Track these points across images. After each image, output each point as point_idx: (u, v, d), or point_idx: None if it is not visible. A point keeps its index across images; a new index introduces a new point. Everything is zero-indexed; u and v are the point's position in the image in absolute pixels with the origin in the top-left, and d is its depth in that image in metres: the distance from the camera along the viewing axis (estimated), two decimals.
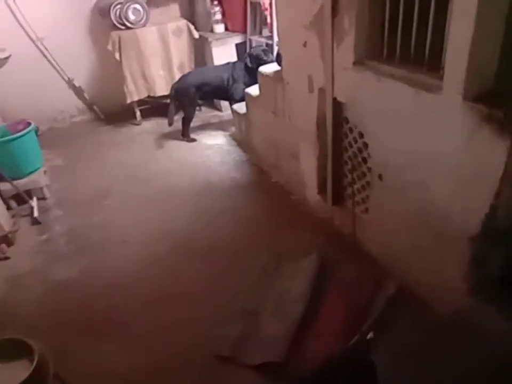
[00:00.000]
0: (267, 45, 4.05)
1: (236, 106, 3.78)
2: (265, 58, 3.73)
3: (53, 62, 4.40)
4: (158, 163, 3.68)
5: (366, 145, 2.13)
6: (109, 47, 3.99)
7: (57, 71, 4.48)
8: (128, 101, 4.27)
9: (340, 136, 2.32)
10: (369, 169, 2.16)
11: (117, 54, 3.99)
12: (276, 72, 2.79)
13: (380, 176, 2.03)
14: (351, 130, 2.22)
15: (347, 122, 2.23)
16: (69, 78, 4.54)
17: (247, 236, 2.62)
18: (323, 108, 2.35)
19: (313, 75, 2.33)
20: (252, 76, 3.64)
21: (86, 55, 4.55)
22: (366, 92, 1.94)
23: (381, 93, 1.84)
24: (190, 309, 2.13)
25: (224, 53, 4.32)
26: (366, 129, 2.07)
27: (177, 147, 3.97)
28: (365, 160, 2.18)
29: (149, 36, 4.04)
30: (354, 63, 1.95)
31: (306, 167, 2.72)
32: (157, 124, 4.52)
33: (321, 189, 2.65)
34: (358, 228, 2.37)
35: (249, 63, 3.80)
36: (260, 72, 2.98)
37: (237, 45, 4.36)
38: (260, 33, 4.15)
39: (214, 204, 3.00)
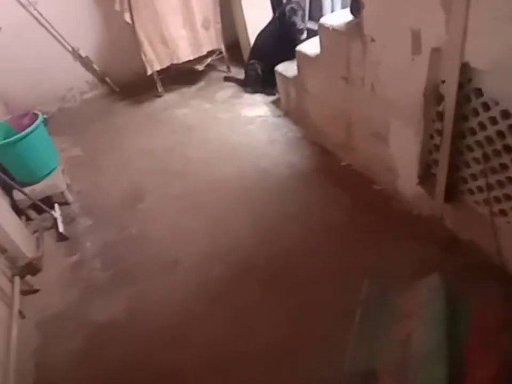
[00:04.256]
0: None
1: (280, 67, 3.07)
2: (293, 19, 3.03)
3: (52, 30, 3.68)
4: (193, 148, 3.06)
5: None
6: (117, 7, 3.24)
7: (58, 41, 3.77)
8: (149, 72, 3.57)
9: (464, 114, 1.66)
10: None
11: (126, 15, 3.24)
12: (351, 25, 2.07)
13: None
14: (486, 107, 1.55)
15: (479, 95, 1.55)
16: (73, 48, 3.84)
17: (328, 250, 2.03)
18: (436, 76, 1.67)
19: (423, 30, 1.62)
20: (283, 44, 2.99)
21: (89, 18, 3.80)
22: None
23: None
24: (276, 371, 1.61)
25: (255, 1, 3.52)
26: None
27: (212, 123, 3.32)
28: (509, 149, 1.54)
29: None
30: None
31: (400, 150, 2.08)
32: (182, 95, 3.85)
33: (424, 179, 2.02)
34: (487, 236, 1.76)
35: (278, 26, 3.13)
36: (323, 25, 2.25)
37: None
38: None
39: (273, 203, 2.40)
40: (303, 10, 3.12)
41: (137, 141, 3.30)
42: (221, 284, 2.01)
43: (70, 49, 3.84)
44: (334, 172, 2.52)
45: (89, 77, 4.09)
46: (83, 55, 3.90)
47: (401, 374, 1.50)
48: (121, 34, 3.65)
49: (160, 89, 3.82)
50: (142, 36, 3.34)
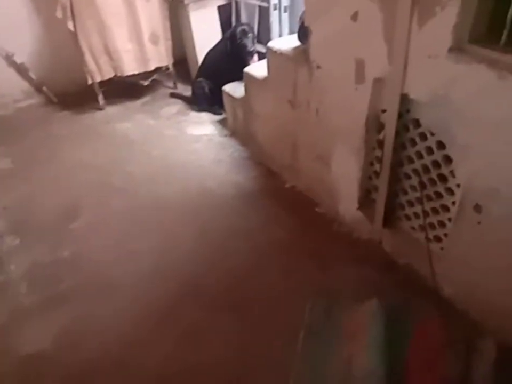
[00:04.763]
0: (261, 8, 3.31)
1: (228, 87, 3.07)
2: (244, 41, 3.10)
3: None
4: (136, 164, 2.95)
5: (448, 159, 1.56)
6: (58, 14, 3.08)
7: None
8: (89, 82, 3.42)
9: (402, 143, 1.73)
10: (450, 191, 1.61)
11: (70, 24, 3.09)
12: (298, 50, 2.12)
13: (478, 208, 1.47)
14: (423, 137, 1.63)
15: (417, 126, 1.64)
16: (7, 54, 3.59)
17: (271, 269, 2.03)
18: (377, 105, 1.74)
19: (366, 60, 1.69)
20: (232, 64, 3.05)
21: (27, 23, 3.57)
22: (469, 92, 1.34)
23: (501, 96, 1.25)
24: None
25: (204, 18, 3.53)
26: (453, 140, 1.49)
27: (157, 139, 3.23)
28: (443, 178, 1.62)
29: None
30: (452, 50, 1.33)
31: (342, 175, 2.13)
32: (126, 109, 3.72)
33: (364, 204, 2.08)
34: (423, 260, 1.84)
35: (229, 47, 3.17)
36: (270, 48, 2.29)
37: (219, 8, 3.57)
38: None
39: (219, 222, 2.36)
40: (254, 33, 3.17)
41: (76, 155, 3.12)
42: (164, 306, 1.92)
43: (4, 54, 3.59)
44: (278, 193, 2.53)
45: (24, 85, 3.83)
46: (18, 61, 3.66)
47: None
48: (63, 42, 3.47)
49: (101, 101, 3.67)
50: (84, 46, 3.20)
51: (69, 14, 3.07)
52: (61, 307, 1.97)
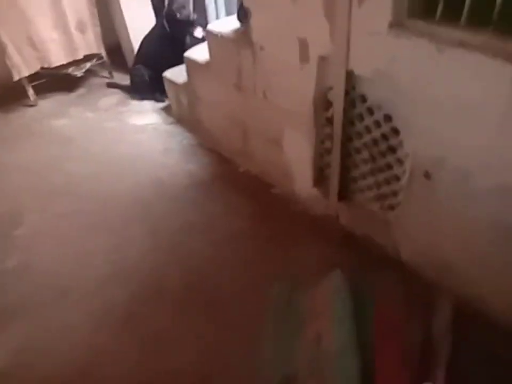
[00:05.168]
0: None
1: (169, 73, 2.97)
2: (183, 13, 3.03)
3: None
4: (76, 162, 2.77)
5: (396, 131, 1.61)
6: None
7: None
8: (16, 78, 3.15)
9: (351, 119, 1.77)
10: (400, 161, 1.67)
11: None
12: (239, 32, 2.08)
13: (427, 175, 1.54)
14: (370, 111, 1.67)
15: (364, 101, 1.67)
16: None
17: (234, 261, 2.00)
18: (324, 83, 1.76)
19: (309, 39, 1.69)
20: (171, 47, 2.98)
21: None
22: (411, 65, 1.38)
23: (440, 68, 1.30)
24: None
25: (135, 2, 3.36)
26: (398, 112, 1.55)
27: (97, 133, 3.07)
28: (392, 150, 1.68)
29: None
30: (392, 25, 1.36)
31: (295, 156, 2.14)
32: (61, 103, 3.49)
33: (318, 181, 2.12)
34: (379, 229, 1.91)
35: (167, 27, 3.08)
36: (210, 32, 2.22)
37: None
38: None
39: (174, 216, 2.29)
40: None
41: (9, 157, 2.89)
42: (128, 310, 1.84)
43: None
44: (232, 178, 2.51)
45: None
46: None
47: (318, 375, 1.54)
48: None
49: (32, 97, 3.41)
50: (5, 38, 2.93)
51: None
52: (13, 321, 1.84)
